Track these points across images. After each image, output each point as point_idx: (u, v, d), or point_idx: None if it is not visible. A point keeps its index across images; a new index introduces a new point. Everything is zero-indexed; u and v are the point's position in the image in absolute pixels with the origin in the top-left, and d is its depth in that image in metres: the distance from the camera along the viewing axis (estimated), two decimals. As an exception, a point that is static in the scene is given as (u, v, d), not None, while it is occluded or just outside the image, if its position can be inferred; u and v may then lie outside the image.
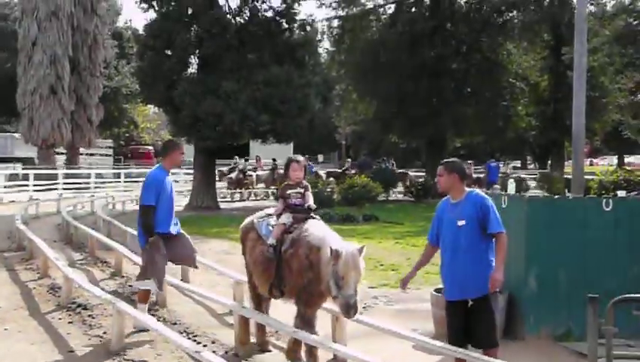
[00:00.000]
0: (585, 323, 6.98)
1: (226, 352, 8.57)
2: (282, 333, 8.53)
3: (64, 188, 37.60)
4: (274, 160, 40.33)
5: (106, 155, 64.15)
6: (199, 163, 31.69)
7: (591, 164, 73.25)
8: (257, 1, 30.72)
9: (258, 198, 37.69)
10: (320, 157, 76.42)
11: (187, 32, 29.42)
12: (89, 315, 10.52)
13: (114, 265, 14.41)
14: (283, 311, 8.71)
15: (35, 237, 15.72)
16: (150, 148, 70.44)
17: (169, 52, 29.52)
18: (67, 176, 41.99)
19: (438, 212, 7.31)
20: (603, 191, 26.02)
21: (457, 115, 37.57)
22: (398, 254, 17.29)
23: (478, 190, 7.38)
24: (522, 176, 39.84)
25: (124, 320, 8.95)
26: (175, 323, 10.08)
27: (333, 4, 38.71)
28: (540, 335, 9.23)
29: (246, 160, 44.75)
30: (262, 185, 39.59)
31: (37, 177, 37.47)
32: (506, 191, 17.52)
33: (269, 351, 8.62)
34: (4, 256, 16.51)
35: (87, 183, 42.32)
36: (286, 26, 30.98)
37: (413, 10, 39.36)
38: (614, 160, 74.62)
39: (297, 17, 31.14)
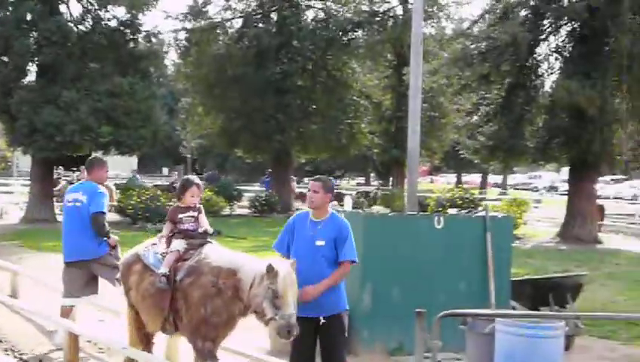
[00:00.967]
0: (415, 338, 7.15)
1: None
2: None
3: None
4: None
5: None
6: (36, 174, 30.51)
7: (431, 182, 75.74)
8: (101, 10, 30.03)
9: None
10: (165, 170, 75.35)
11: (26, 38, 28.34)
12: None
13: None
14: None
15: None
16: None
17: (5, 58, 28.38)
18: None
19: (294, 225, 7.17)
20: (440, 209, 26.96)
21: (303, 131, 37.96)
22: (239, 269, 17.22)
23: (338, 212, 7.44)
24: (379, 192, 40.55)
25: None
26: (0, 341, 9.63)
27: (180, 16, 38.31)
28: (374, 350, 9.37)
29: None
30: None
31: None
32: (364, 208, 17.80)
33: None
34: None
35: None
36: (130, 36, 30.43)
37: (260, 25, 39.51)
38: (453, 178, 77.44)
39: (142, 28, 30.66)
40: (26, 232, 23.14)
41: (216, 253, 7.03)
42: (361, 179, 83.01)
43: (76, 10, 30.41)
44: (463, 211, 23.43)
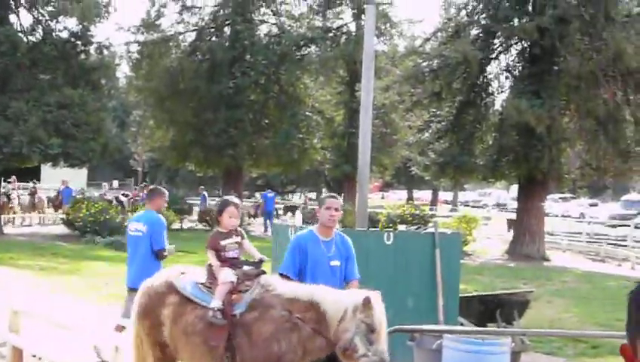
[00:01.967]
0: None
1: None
2: None
3: None
4: (34, 182, 38.82)
5: None
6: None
7: (382, 198, 76.04)
8: (52, 21, 29.74)
9: (49, 223, 36.12)
10: (115, 183, 74.60)
11: (-27, 47, 27.94)
12: None
13: None
14: None
15: None
16: None
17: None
18: None
19: (306, 246, 6.84)
20: (390, 225, 27.07)
21: (254, 146, 37.91)
22: (188, 284, 17.08)
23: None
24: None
25: None
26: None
27: (132, 29, 38.04)
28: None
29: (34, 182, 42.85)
30: (51, 209, 37.90)
31: None
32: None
33: None
34: None
35: None
36: (82, 47, 30.18)
37: (214, 39, 39.44)
38: (404, 194, 77.86)
39: (94, 40, 30.42)
40: (-30, 245, 22.71)
41: (283, 284, 6.41)
42: (313, 195, 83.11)
43: (27, 20, 30.04)
44: (413, 227, 23.53)
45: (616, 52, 26.39)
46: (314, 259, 6.78)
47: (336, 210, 6.91)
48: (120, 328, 9.53)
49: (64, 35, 29.87)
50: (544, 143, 27.07)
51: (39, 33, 29.71)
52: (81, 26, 29.90)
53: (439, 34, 31.02)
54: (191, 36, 40.23)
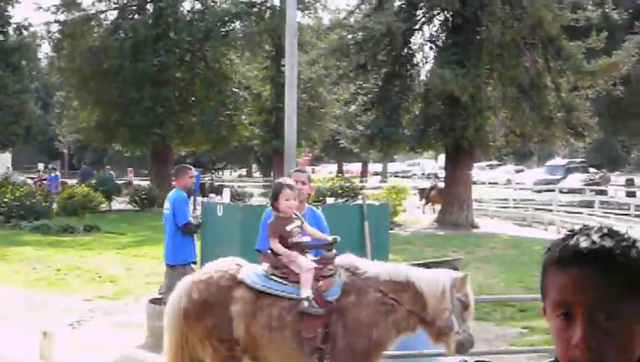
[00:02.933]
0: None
1: None
2: None
3: None
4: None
5: None
6: None
7: (313, 171, 76.24)
8: (-34, 2, 28.93)
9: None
10: (40, 166, 73.18)
11: None
12: None
13: None
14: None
15: None
16: None
17: None
18: None
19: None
20: (320, 198, 27.13)
21: (182, 124, 37.55)
22: (117, 265, 16.94)
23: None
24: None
25: None
26: None
27: (52, 8, 37.14)
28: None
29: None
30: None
31: None
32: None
33: None
34: None
35: None
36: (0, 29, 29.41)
37: (136, 17, 38.80)
38: (335, 167, 78.18)
39: (12, 20, 29.68)
40: None
41: (370, 265, 6.23)
42: (243, 171, 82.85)
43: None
44: (343, 200, 23.68)
45: (536, 20, 26.87)
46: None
47: (303, 183, 6.82)
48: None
49: (-20, 16, 29.13)
50: (469, 112, 27.45)
51: (-46, 15, 28.93)
52: (-3, 7, 29.19)
53: (363, 6, 31.08)
54: (113, 14, 39.50)
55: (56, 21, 37.72)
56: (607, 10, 33.29)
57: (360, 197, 22.61)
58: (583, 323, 1.57)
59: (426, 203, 35.62)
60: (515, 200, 41.37)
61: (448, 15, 29.40)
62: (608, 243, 1.60)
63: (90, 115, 39.55)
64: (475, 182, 38.65)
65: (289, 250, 6.15)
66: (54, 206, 28.93)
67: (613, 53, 28.41)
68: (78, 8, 38.16)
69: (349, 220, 10.50)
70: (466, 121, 27.45)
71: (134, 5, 39.21)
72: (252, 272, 6.10)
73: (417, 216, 32.88)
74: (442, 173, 38.47)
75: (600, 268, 1.58)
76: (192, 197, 37.74)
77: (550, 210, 36.22)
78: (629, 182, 44.52)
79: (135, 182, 46.07)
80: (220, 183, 47.66)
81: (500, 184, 56.80)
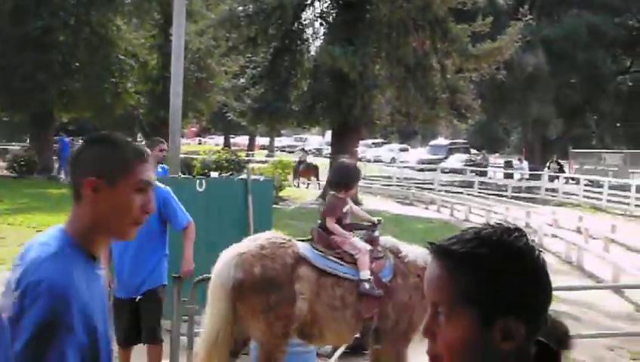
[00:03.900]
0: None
1: None
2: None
3: None
4: None
5: None
6: None
7: (200, 143, 75.50)
8: None
9: None
10: None
11: None
12: None
13: None
14: None
15: None
16: None
17: None
18: None
19: None
20: (205, 171, 26.93)
21: (65, 90, 36.44)
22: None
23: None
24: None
25: None
26: None
27: None
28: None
29: None
30: None
31: None
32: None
33: None
34: None
35: None
36: None
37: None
38: (222, 140, 77.63)
39: None
40: None
41: (407, 248, 6.47)
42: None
43: None
44: (228, 173, 23.57)
45: (424, 1, 27.25)
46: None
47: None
48: None
49: None
50: (357, 90, 27.63)
51: None
52: None
53: (255, -22, 30.81)
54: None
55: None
56: (493, -4, 34.10)
57: (245, 171, 22.51)
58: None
59: (295, 177, 35.94)
60: (398, 178, 42.10)
61: (339, -8, 29.47)
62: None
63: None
64: (360, 160, 39.07)
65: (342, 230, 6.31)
66: None
67: (497, 38, 29.15)
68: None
69: (232, 195, 10.42)
70: (353, 99, 27.62)
71: (17, -36, 37.72)
72: (308, 250, 6.21)
73: (302, 191, 33.03)
74: (328, 150, 38.74)
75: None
76: (62, 165, 36.98)
77: (432, 189, 37.05)
78: (508, 164, 45.92)
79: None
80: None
81: (385, 162, 57.66)
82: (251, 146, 68.92)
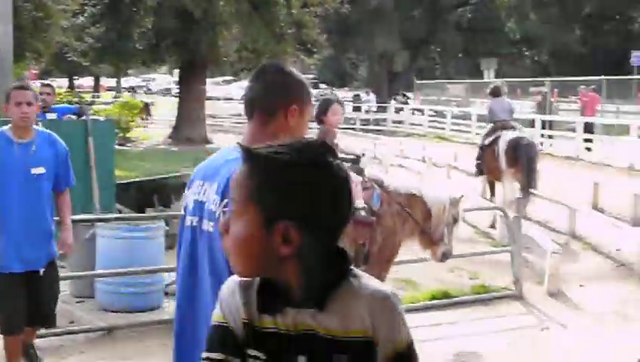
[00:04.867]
0: None
1: None
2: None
3: None
4: None
5: None
6: None
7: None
8: None
9: None
10: None
11: None
12: None
13: None
14: None
15: None
16: None
17: None
18: None
19: None
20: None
21: None
22: None
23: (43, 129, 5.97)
24: None
25: None
26: None
27: None
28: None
29: None
30: None
31: None
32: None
33: None
34: None
35: None
36: None
37: None
38: (66, 82, 74.96)
39: None
40: None
41: (390, 179, 7.14)
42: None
43: None
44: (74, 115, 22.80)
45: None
46: (4, 167, 5.47)
47: (29, 104, 5.50)
48: None
49: None
50: (202, 27, 27.22)
51: None
52: None
53: None
54: None
55: None
56: None
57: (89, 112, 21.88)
58: None
59: None
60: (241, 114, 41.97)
61: None
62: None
63: None
64: (210, 98, 38.70)
65: None
66: None
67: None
68: None
69: (72, 136, 10.09)
70: (198, 36, 27.24)
71: None
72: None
73: (151, 132, 32.45)
74: (177, 89, 38.12)
75: None
76: None
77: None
78: (356, 98, 46.57)
79: None
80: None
81: (235, 100, 57.33)
82: (97, 88, 66.89)
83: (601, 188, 14.69)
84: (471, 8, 51.46)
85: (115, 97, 57.22)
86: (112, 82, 73.73)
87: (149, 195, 10.90)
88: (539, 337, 7.89)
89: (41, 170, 5.58)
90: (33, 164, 5.55)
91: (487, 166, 13.48)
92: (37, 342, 6.51)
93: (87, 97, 38.20)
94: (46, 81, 6.72)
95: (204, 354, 1.72)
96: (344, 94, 54.05)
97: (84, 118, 11.07)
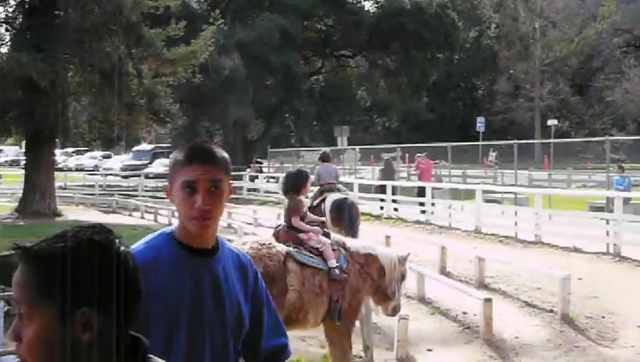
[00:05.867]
0: None
1: None
2: None
3: None
4: None
5: None
6: None
7: None
8: None
9: None
10: None
11: None
12: None
13: None
14: None
15: None
16: None
17: None
18: None
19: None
20: None
21: None
22: None
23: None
24: None
25: None
26: None
27: None
28: None
29: None
30: None
31: None
32: None
33: None
34: None
35: None
36: None
37: None
38: None
39: None
40: None
41: (350, 241, 7.72)
42: None
43: None
44: None
45: (116, 6, 26.85)
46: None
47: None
48: None
49: None
50: (49, 98, 26.60)
51: None
52: None
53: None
54: None
55: None
56: (187, 0, 34.42)
57: None
58: None
59: None
60: (101, 186, 41.21)
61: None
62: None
63: None
64: (61, 169, 37.71)
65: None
66: None
67: (192, 41, 29.47)
68: None
69: None
70: (46, 107, 26.54)
71: None
72: (290, 248, 7.12)
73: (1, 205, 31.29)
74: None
75: None
76: None
77: (136, 196, 36.64)
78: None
79: None
80: None
81: (88, 170, 56.17)
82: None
83: (448, 251, 15.15)
84: (323, 77, 52.73)
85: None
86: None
87: (-11, 275, 10.39)
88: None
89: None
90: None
91: (316, 226, 13.98)
92: None
93: None
94: None
95: None
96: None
97: None
